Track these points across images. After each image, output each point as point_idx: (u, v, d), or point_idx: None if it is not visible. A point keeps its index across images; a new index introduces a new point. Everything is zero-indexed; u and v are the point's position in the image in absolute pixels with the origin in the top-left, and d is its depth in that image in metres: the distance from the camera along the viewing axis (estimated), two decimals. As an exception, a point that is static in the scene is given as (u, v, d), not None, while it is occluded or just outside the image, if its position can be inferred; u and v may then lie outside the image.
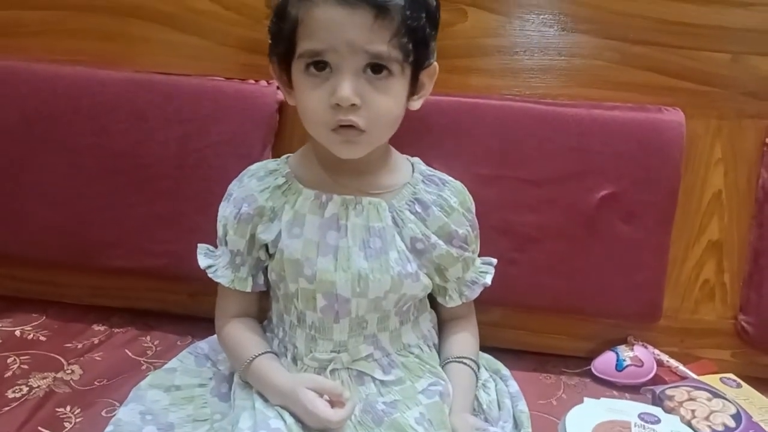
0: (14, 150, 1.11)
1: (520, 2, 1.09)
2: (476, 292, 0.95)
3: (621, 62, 1.09)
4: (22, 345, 1.06)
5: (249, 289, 0.90)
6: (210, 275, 0.91)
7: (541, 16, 1.09)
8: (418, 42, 0.79)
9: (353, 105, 0.76)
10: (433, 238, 0.87)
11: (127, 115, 1.09)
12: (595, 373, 1.08)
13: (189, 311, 1.16)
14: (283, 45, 0.79)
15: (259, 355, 0.86)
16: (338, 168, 0.85)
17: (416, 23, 0.77)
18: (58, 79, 1.11)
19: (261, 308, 0.95)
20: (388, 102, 0.79)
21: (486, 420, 0.88)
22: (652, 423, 0.87)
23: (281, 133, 1.11)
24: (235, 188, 0.90)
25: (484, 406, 0.90)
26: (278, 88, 1.08)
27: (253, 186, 0.88)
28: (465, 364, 0.91)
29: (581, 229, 1.06)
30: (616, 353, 1.08)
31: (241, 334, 0.90)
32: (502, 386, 0.95)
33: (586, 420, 0.86)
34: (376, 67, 0.77)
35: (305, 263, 0.84)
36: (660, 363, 1.08)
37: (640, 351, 1.08)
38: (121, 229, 1.11)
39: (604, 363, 1.09)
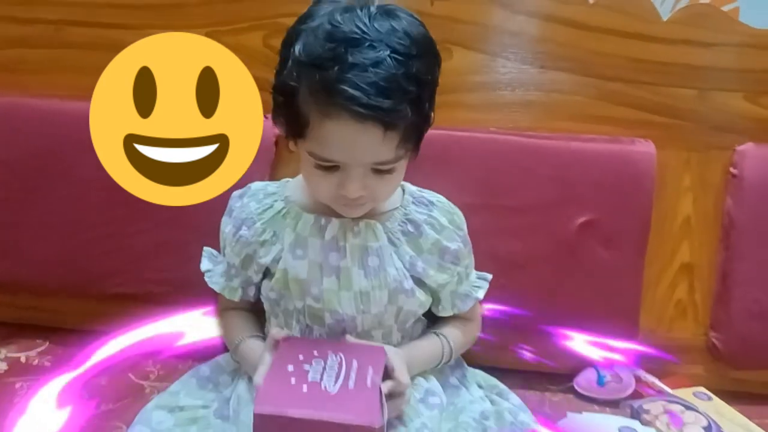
0: (18, 183, 1.13)
1: (502, 42, 1.14)
2: (468, 305, 0.97)
3: (597, 97, 1.15)
4: (27, 371, 1.08)
5: (237, 299, 0.96)
6: (206, 279, 0.97)
7: (523, 55, 1.14)
8: (423, 131, 0.81)
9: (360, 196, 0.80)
10: (427, 257, 0.90)
11: (128, 148, 1.12)
12: (578, 389, 1.13)
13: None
14: (292, 129, 0.80)
15: (248, 337, 0.93)
16: None
17: (420, 117, 0.78)
18: (60, 115, 1.13)
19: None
20: (394, 183, 0.84)
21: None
22: (631, 436, 0.92)
23: (277, 164, 1.15)
24: (236, 205, 0.94)
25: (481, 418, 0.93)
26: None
27: (252, 208, 0.92)
28: (440, 336, 0.95)
29: (562, 254, 1.11)
30: (597, 370, 1.13)
31: (234, 320, 0.98)
32: (501, 401, 0.98)
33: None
34: (382, 169, 0.79)
35: (312, 282, 0.88)
36: (638, 378, 1.13)
37: (619, 367, 1.13)
38: (122, 258, 1.14)
39: (585, 379, 1.13)
